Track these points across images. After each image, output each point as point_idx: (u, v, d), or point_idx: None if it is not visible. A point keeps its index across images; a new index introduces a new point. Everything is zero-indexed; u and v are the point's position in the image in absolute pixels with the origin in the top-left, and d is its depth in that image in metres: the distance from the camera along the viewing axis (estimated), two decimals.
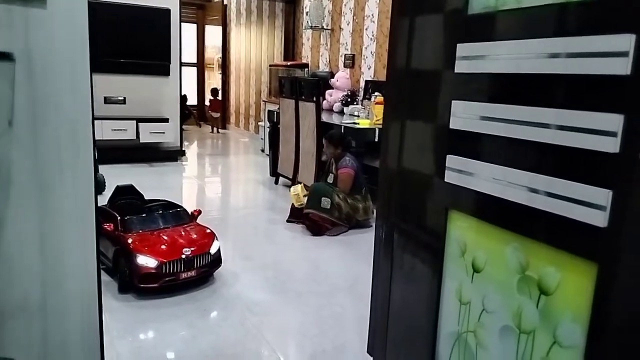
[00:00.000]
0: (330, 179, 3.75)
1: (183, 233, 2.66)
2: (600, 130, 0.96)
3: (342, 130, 4.02)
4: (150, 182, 5.11)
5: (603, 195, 0.95)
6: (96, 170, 4.82)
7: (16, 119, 1.03)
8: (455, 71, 1.32)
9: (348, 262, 3.13)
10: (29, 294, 1.17)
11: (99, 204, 2.89)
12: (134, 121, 5.96)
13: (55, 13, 1.05)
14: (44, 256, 1.14)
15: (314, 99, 4.28)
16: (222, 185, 5.87)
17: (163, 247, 2.52)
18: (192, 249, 2.54)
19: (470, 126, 1.28)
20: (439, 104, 1.44)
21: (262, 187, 5.16)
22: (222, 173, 6.50)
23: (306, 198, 3.63)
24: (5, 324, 1.12)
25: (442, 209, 1.41)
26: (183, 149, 6.46)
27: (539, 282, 1.12)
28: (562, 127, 1.03)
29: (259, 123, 7.76)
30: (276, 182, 5.13)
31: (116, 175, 4.75)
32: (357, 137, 4.04)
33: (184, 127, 6.88)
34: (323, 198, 3.47)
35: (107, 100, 5.94)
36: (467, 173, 1.30)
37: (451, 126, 1.34)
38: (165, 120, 6.11)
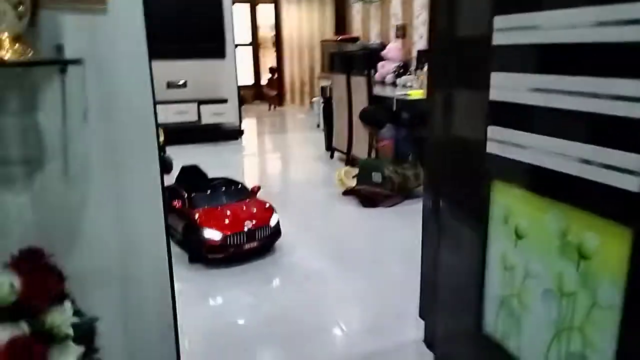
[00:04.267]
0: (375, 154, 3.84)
1: (244, 208, 2.84)
2: (635, 97, 0.97)
3: (394, 102, 4.03)
4: (212, 160, 5.37)
5: (635, 160, 0.98)
6: (163, 151, 5.09)
7: (89, 113, 1.19)
8: (493, 44, 1.34)
9: (402, 231, 3.20)
10: (109, 265, 1.35)
11: (168, 184, 3.14)
12: (195, 103, 6.23)
13: (114, 18, 1.20)
14: (120, 232, 1.31)
15: (365, 72, 4.30)
16: (279, 161, 6.06)
17: (226, 221, 2.71)
18: (253, 222, 2.71)
19: (510, 97, 1.31)
20: (480, 75, 1.47)
21: (318, 162, 5.28)
22: (279, 149, 6.69)
23: (352, 179, 3.72)
24: (91, 290, 1.30)
25: (485, 178, 1.45)
26: (242, 128, 6.69)
27: (579, 247, 1.16)
28: (598, 95, 1.05)
29: (314, 99, 7.86)
30: (331, 157, 5.24)
31: (181, 156, 5.04)
32: (410, 109, 4.04)
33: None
34: (374, 173, 3.53)
35: (169, 85, 6.23)
36: (508, 143, 1.33)
37: (491, 97, 1.37)
38: (225, 101, 6.34)
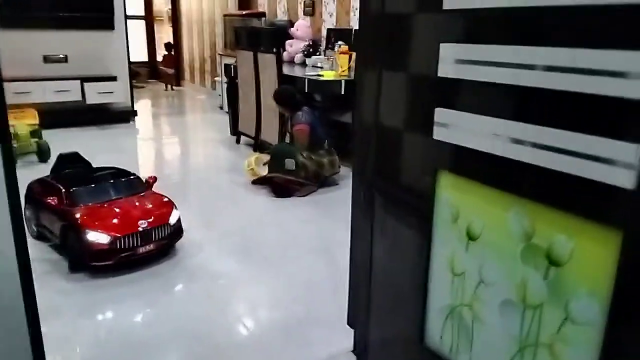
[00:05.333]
0: (288, 139, 3.57)
1: (137, 203, 2.42)
2: (627, 73, 0.79)
3: (306, 84, 3.77)
4: (101, 146, 4.76)
5: (631, 151, 0.80)
6: (38, 136, 4.34)
7: None
8: (444, 8, 1.12)
9: (318, 223, 2.98)
10: None
11: (44, 175, 2.62)
12: (79, 81, 5.50)
13: None
14: None
15: (274, 50, 3.99)
16: (179, 147, 5.55)
17: (116, 220, 2.28)
18: (149, 220, 2.32)
19: (463, 73, 1.10)
20: (425, 49, 1.25)
21: (222, 148, 4.88)
22: (178, 133, 6.15)
23: (264, 167, 3.44)
24: None
25: (429, 169, 1.24)
26: (135, 109, 6.04)
27: (548, 251, 0.98)
28: (579, 70, 0.86)
29: (216, 78, 7.35)
30: (237, 142, 4.87)
31: (62, 141, 4.39)
32: (322, 90, 3.81)
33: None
34: (287, 159, 3.26)
35: (47, 59, 5.44)
36: (460, 128, 1.13)
37: (440, 74, 1.15)
38: (113, 78, 5.67)
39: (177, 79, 9.37)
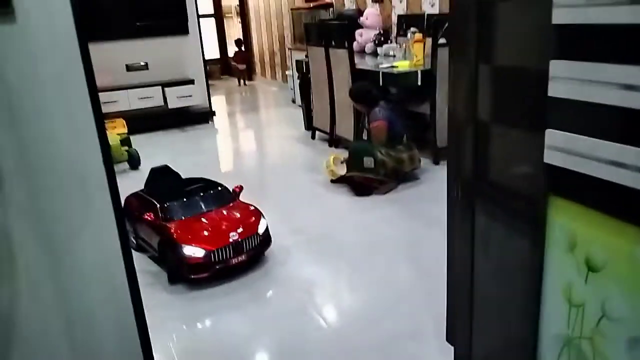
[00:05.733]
0: (365, 135, 3.53)
1: (227, 215, 2.49)
2: None
3: (381, 77, 3.68)
4: (184, 148, 4.99)
5: None
6: (128, 144, 4.54)
7: (5, 175, 0.80)
8: (554, 22, 1.01)
9: (402, 224, 2.92)
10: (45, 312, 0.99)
11: (137, 183, 2.76)
12: (160, 87, 5.75)
13: (28, 27, 0.79)
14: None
15: (345, 45, 3.92)
16: (257, 145, 5.66)
17: (208, 233, 2.37)
18: (239, 231, 2.38)
19: (580, 94, 1.00)
20: (529, 58, 1.15)
21: (298, 144, 4.92)
22: (255, 131, 6.28)
23: (342, 165, 3.41)
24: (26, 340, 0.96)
25: (539, 192, 1.15)
26: (213, 109, 6.25)
27: None
28: None
29: (287, 72, 7.41)
30: (313, 137, 4.89)
31: (149, 145, 4.64)
32: (398, 82, 3.70)
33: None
34: (365, 158, 3.21)
35: (129, 68, 5.75)
36: (576, 154, 1.02)
37: (551, 93, 1.05)
38: (191, 82, 5.87)
39: (248, 74, 9.56)
